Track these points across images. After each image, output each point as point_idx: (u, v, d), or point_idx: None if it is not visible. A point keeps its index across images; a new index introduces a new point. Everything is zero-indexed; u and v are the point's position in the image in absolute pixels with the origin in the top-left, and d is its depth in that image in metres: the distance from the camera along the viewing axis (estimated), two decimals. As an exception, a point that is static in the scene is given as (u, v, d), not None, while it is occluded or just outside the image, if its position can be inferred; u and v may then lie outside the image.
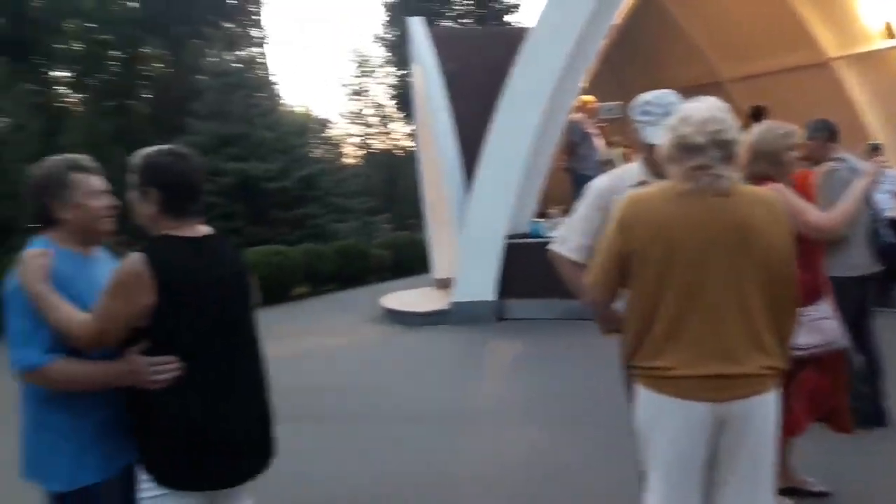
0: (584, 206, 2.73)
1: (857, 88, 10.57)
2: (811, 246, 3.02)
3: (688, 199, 2.06)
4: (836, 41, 10.60)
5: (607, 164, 8.73)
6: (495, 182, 8.77)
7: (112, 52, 29.69)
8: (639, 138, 2.66)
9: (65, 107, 29.70)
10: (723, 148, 2.04)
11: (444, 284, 10.58)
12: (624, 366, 2.48)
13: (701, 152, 2.03)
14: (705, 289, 2.04)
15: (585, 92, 9.34)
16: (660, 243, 2.05)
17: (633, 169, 2.74)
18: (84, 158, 2.19)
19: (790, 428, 3.05)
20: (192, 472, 2.02)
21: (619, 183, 2.67)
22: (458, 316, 8.55)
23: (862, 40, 10.32)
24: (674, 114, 2.37)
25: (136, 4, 28.90)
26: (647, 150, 2.62)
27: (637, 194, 2.22)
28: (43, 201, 2.12)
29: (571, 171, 9.15)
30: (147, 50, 30.23)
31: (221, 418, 2.04)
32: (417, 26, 10.98)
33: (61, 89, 30.32)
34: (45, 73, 28.70)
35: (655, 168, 2.56)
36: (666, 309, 2.05)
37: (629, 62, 11.65)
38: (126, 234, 2.03)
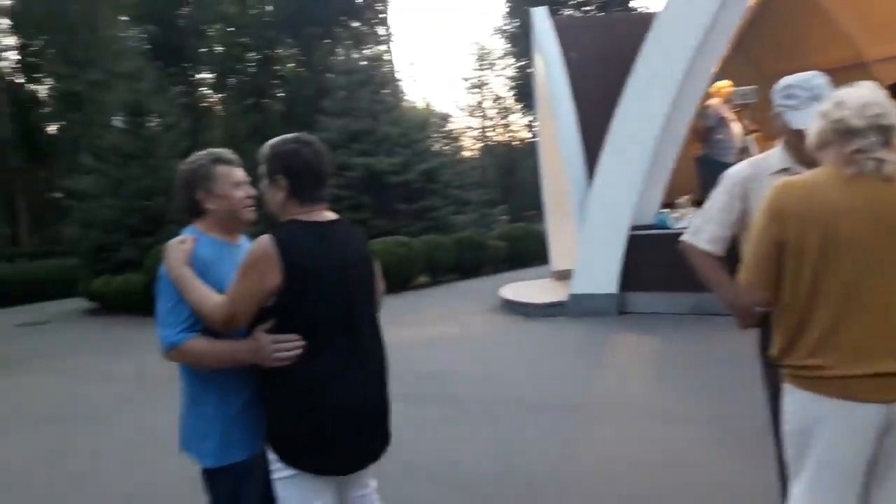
0: (721, 195, 2.59)
1: None
2: None
3: (848, 186, 1.93)
4: None
5: (743, 151, 8.33)
6: (619, 171, 8.58)
7: (249, 54, 31.66)
8: (782, 123, 2.52)
9: (208, 106, 32.05)
10: (883, 133, 1.91)
11: (562, 276, 10.49)
12: (767, 363, 2.36)
13: (860, 136, 1.91)
14: (871, 280, 1.90)
15: (718, 77, 8.92)
16: (817, 233, 1.92)
17: (773, 155, 2.58)
18: (227, 152, 2.33)
19: None
20: (314, 455, 2.05)
21: (758, 171, 2.53)
22: (577, 308, 8.45)
23: None
24: (821, 97, 2.24)
25: (271, 7, 30.59)
26: (792, 136, 2.48)
27: (789, 181, 2.08)
28: (191, 193, 2.24)
29: (705, 158, 8.79)
30: (280, 51, 32.00)
31: (342, 399, 2.06)
32: (541, 16, 10.90)
33: (205, 90, 32.73)
34: (192, 76, 31.05)
35: (799, 154, 2.42)
36: (826, 303, 1.92)
37: (764, 45, 10.96)
38: (263, 224, 2.15)
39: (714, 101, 8.80)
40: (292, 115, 28.03)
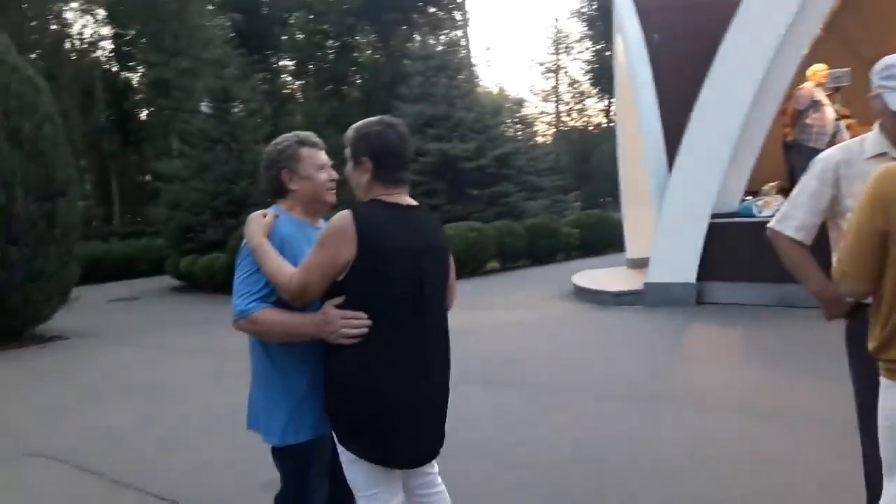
0: (811, 181, 2.47)
1: None
2: None
3: None
4: None
5: (835, 137, 7.93)
6: (701, 157, 8.31)
7: (328, 41, 32.22)
8: (881, 105, 2.37)
9: (289, 93, 32.88)
10: None
11: (638, 265, 10.27)
12: (857, 355, 2.27)
13: None
14: None
15: (810, 59, 8.48)
16: None
17: (868, 139, 2.43)
18: (312, 135, 2.37)
19: None
20: (372, 444, 2.04)
21: (852, 155, 2.40)
22: (653, 297, 8.27)
23: None
24: None
25: (351, -6, 30.89)
26: (891, 119, 2.33)
27: (892, 167, 1.96)
28: (276, 172, 2.29)
29: (795, 143, 8.40)
30: (359, 38, 32.42)
31: (403, 388, 2.05)
32: (621, -3, 10.62)
33: (286, 77, 33.56)
34: (274, 63, 31.88)
35: None
36: None
37: (859, 25, 10.32)
38: (343, 207, 2.19)
39: (807, 85, 8.40)
40: (370, 102, 28.41)
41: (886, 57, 2.38)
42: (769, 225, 2.58)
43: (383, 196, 2.12)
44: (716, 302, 7.95)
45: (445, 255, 2.25)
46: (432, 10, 31.06)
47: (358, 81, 33.09)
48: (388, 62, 29.84)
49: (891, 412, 1.97)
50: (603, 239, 16.99)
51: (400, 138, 2.15)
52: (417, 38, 23.43)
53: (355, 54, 32.74)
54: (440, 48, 21.35)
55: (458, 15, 32.90)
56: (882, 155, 2.31)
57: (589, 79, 38.39)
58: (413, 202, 2.19)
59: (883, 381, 1.99)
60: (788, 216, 2.53)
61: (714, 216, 8.14)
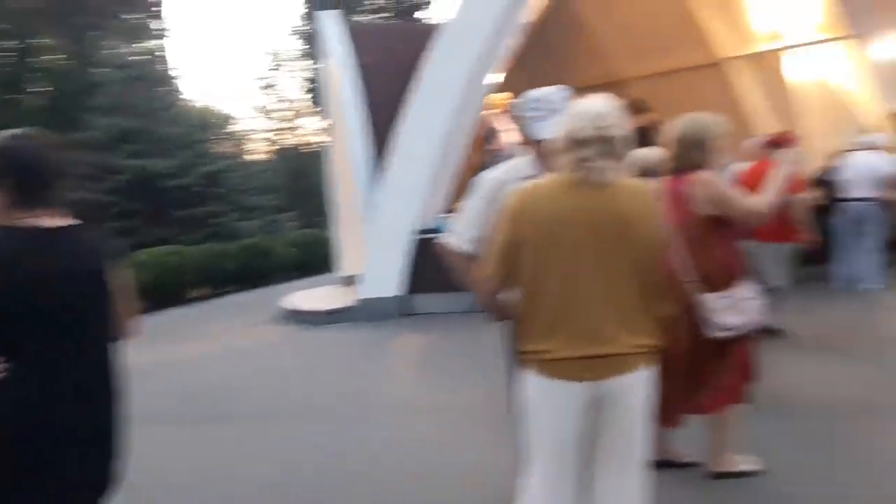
0: (475, 199, 2.80)
1: (747, 88, 11.11)
2: (726, 229, 3.14)
3: (569, 191, 2.18)
4: (728, 42, 11.11)
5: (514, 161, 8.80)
6: (404, 177, 8.68)
7: (4, 43, 27.81)
8: (527, 133, 2.74)
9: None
10: (606, 143, 2.13)
11: (351, 282, 10.39)
12: (509, 351, 2.58)
13: (586, 146, 2.13)
14: (581, 275, 2.16)
15: (500, 89, 9.36)
16: (544, 233, 2.17)
17: (522, 163, 2.80)
18: None
19: (728, 400, 3.23)
20: (20, 497, 1.82)
21: (509, 177, 2.73)
22: (363, 313, 8.40)
23: (752, 42, 10.88)
24: (561, 110, 2.50)
25: (31, -8, 27.02)
26: (535, 145, 2.69)
27: (525, 186, 2.30)
28: None
29: (482, 166, 9.17)
30: (43, 40, 28.47)
31: (52, 427, 1.84)
32: (328, 20, 10.71)
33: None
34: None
35: (543, 162, 2.64)
36: (549, 295, 2.17)
37: (541, 60, 11.77)
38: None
39: (489, 113, 9.24)
40: (55, 111, 25.05)
41: (531, 91, 2.73)
42: (440, 240, 2.77)
43: (22, 219, 1.86)
44: (421, 312, 8.34)
45: (102, 279, 2.00)
46: (128, 16, 28.49)
47: (40, 90, 28.95)
48: (77, 69, 26.60)
49: (526, 397, 2.26)
50: (320, 258, 16.96)
51: (42, 155, 1.93)
52: (112, 44, 21.25)
53: (34, 60, 28.62)
54: (139, 57, 19.61)
55: (157, 24, 30.61)
56: (531, 176, 2.61)
57: (311, 97, 38.37)
58: (63, 222, 1.92)
59: (522, 370, 2.28)
60: (458, 232, 2.83)
61: (419, 232, 8.53)
